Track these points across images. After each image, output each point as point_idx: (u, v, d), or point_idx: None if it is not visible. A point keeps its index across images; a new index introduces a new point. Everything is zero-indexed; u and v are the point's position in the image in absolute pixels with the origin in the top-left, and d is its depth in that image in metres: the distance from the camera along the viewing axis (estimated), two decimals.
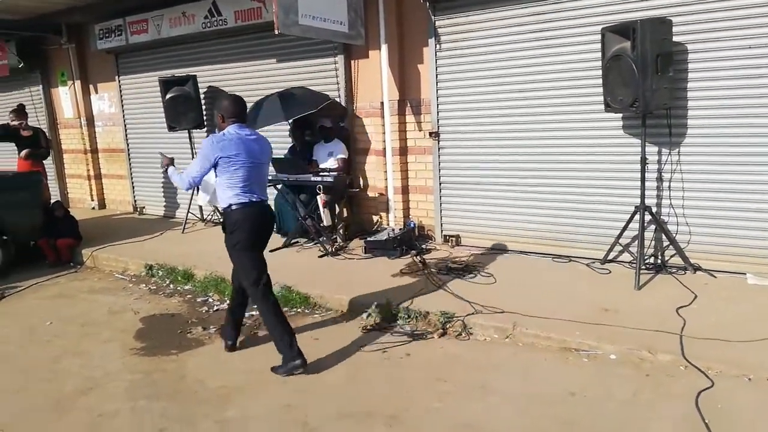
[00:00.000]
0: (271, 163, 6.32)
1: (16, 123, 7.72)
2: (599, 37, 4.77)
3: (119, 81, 9.06)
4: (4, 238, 6.44)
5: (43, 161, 8.07)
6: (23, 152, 7.74)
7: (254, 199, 3.81)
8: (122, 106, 9.15)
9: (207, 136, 8.00)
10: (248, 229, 3.78)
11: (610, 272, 5.07)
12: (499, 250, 5.94)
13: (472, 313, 4.28)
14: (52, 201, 7.43)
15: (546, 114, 5.53)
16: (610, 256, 5.22)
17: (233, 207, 3.78)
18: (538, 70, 5.49)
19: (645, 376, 3.42)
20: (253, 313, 4.89)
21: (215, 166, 3.74)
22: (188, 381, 3.74)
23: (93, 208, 9.81)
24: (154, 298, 5.52)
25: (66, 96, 9.73)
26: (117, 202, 9.78)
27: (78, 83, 9.43)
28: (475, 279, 5.08)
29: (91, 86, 9.51)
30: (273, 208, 6.81)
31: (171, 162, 4.19)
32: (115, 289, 5.86)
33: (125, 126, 9.22)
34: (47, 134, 8.55)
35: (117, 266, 6.55)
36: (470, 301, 4.47)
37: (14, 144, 7.90)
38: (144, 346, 4.35)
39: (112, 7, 8.00)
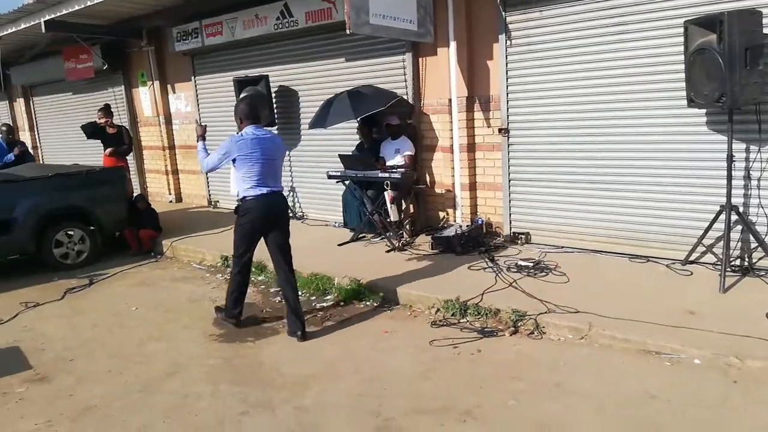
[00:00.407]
0: (339, 160, 6.52)
1: (102, 121, 8.20)
2: (681, 30, 4.58)
3: (195, 81, 9.44)
4: (92, 228, 6.86)
5: (126, 157, 8.54)
6: (108, 150, 8.21)
7: (265, 191, 4.33)
8: (198, 104, 9.53)
9: (277, 133, 8.31)
10: (254, 217, 4.34)
11: (692, 274, 4.85)
12: (571, 248, 5.80)
13: (545, 312, 4.21)
14: (135, 194, 7.85)
15: (623, 110, 5.36)
16: (692, 257, 4.99)
17: (247, 198, 4.34)
18: (615, 65, 5.33)
19: (733, 382, 3.27)
20: (324, 303, 5.04)
21: (234, 161, 4.29)
22: (266, 368, 3.87)
23: (170, 202, 10.28)
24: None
25: (146, 96, 10.23)
26: (192, 196, 10.20)
27: (157, 83, 9.90)
28: (547, 277, 4.99)
29: (168, 86, 9.96)
30: (346, 199, 7.02)
31: (203, 132, 4.77)
32: (194, 278, 6.13)
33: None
34: (129, 132, 9.02)
35: (194, 257, 6.85)
36: (542, 299, 4.40)
37: (100, 141, 8.39)
38: (222, 333, 4.54)
39: (189, 10, 8.35)
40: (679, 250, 5.10)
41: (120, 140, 8.36)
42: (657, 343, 3.68)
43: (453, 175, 6.57)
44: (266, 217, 4.36)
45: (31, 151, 11.26)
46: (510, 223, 6.28)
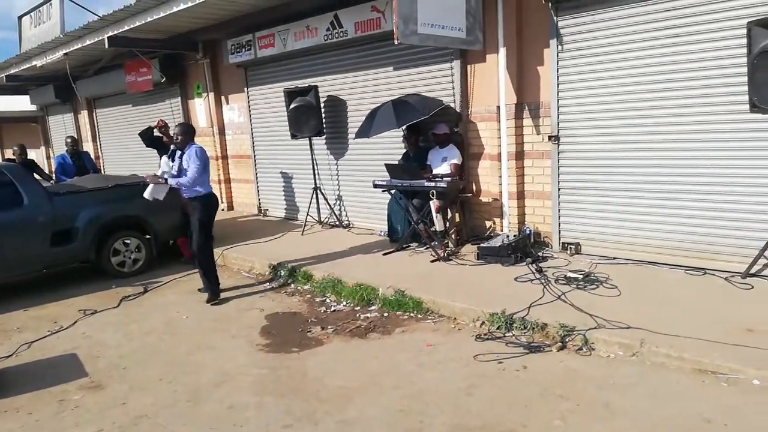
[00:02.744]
0: (385, 169, 6.53)
1: (155, 125, 8.46)
2: (744, 32, 4.37)
3: (248, 92, 9.68)
4: (148, 237, 7.11)
5: None
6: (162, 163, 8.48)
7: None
8: (250, 115, 9.77)
9: (326, 143, 8.40)
10: (215, 209, 5.90)
11: (753, 288, 4.61)
12: (623, 259, 5.61)
13: (595, 327, 4.07)
14: None
15: (679, 115, 5.15)
16: (753, 270, 4.75)
17: (212, 194, 5.82)
18: (671, 69, 5.13)
19: None
20: (368, 314, 5.05)
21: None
22: (309, 379, 3.90)
23: (222, 210, 10.54)
24: (277, 297, 5.83)
25: (201, 107, 10.57)
26: (243, 205, 10.46)
27: (211, 95, 10.21)
28: (597, 290, 4.84)
29: (222, 97, 10.25)
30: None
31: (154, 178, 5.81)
32: (242, 286, 6.26)
33: (252, 134, 9.83)
34: None
35: (244, 265, 7.00)
36: (592, 314, 4.26)
37: (157, 151, 8.71)
38: (268, 342, 4.61)
39: (242, 23, 8.57)
40: (739, 263, 4.86)
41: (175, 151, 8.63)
42: (713, 362, 3.50)
43: (500, 184, 6.48)
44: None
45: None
46: (559, 233, 6.12)
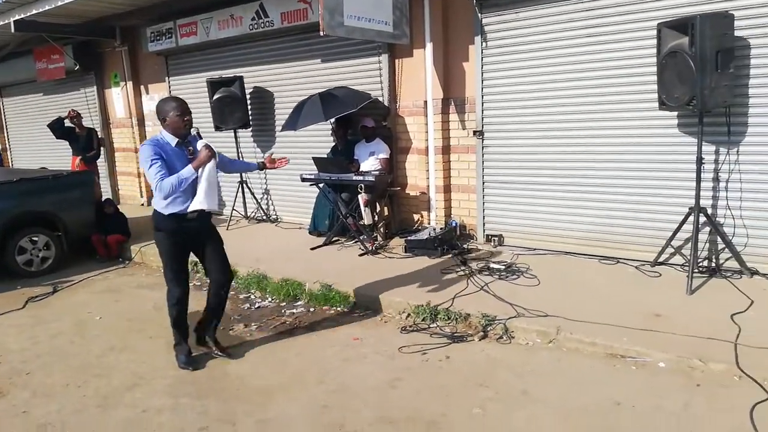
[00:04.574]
0: (313, 162, 6.45)
1: (67, 116, 8.00)
2: (654, 32, 4.60)
3: (169, 82, 9.28)
4: (58, 234, 6.68)
5: (96, 161, 8.37)
6: (78, 160, 8.07)
7: None
8: None
9: (252, 135, 8.19)
10: None
11: (661, 275, 4.87)
12: (543, 250, 5.79)
13: (514, 316, 4.18)
14: (103, 198, 7.69)
15: (596, 112, 5.36)
16: (661, 259, 5.01)
17: None
18: (589, 67, 5.32)
19: (696, 386, 3.26)
20: (294, 310, 4.97)
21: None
22: (230, 379, 3.78)
23: (142, 204, 10.10)
24: (198, 294, 5.55)
25: (118, 96, 10.05)
26: None
27: (130, 84, 9.72)
28: (518, 280, 4.97)
29: (142, 87, 9.78)
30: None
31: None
32: (162, 284, 5.82)
33: None
34: (99, 134, 8.84)
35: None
36: (512, 303, 4.38)
37: (68, 143, 8.23)
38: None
39: (162, 10, 8.21)
40: (648, 252, 5.12)
41: (89, 143, 8.20)
42: (623, 346, 3.67)
43: (428, 178, 6.53)
44: None
45: None
46: (484, 225, 6.25)
